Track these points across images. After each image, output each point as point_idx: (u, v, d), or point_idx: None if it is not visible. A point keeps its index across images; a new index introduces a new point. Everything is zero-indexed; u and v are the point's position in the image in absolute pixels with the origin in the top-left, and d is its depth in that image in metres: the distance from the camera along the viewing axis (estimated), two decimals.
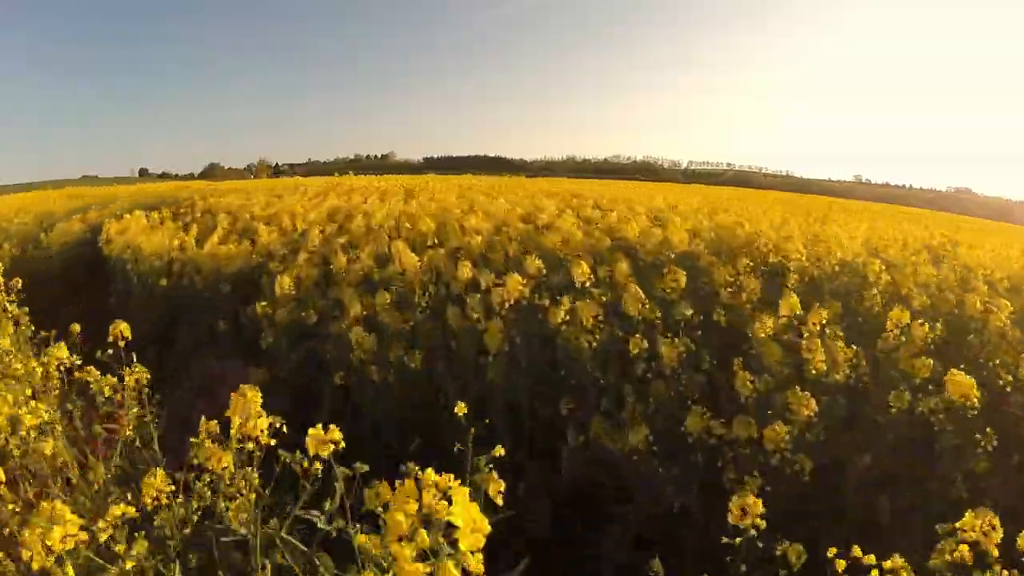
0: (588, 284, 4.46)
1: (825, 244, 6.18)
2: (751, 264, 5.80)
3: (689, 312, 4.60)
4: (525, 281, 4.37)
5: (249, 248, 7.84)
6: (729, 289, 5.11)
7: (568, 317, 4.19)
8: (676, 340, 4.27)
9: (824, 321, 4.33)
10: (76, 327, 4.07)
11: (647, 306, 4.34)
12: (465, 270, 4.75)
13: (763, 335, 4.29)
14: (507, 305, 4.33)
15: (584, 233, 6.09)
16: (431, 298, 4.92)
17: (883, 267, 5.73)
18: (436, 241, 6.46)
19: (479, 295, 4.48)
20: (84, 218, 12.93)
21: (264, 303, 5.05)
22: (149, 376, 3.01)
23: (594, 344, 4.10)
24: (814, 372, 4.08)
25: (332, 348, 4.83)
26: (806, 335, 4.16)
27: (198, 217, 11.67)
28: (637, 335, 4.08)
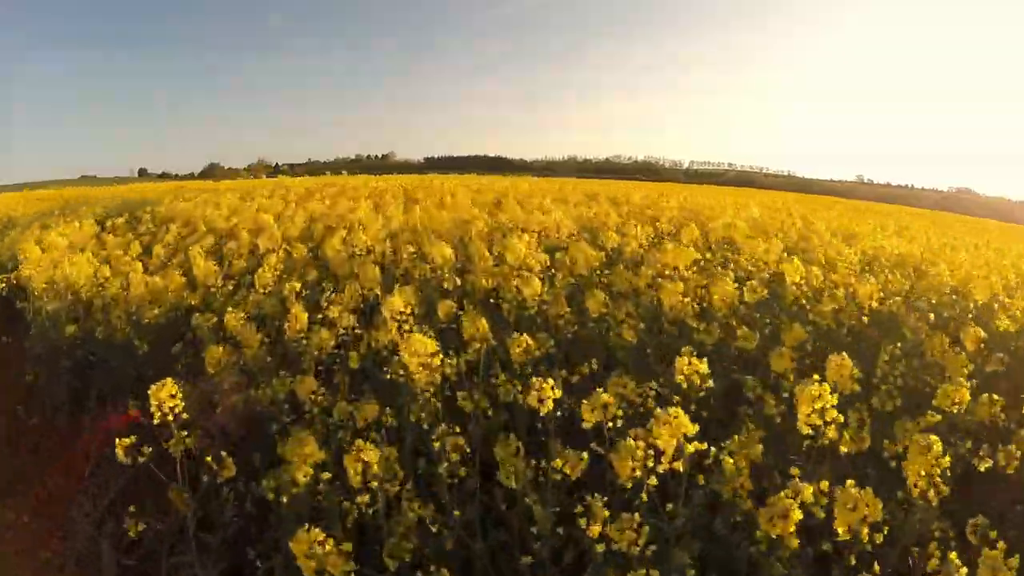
0: (829, 430, 1.87)
1: None
2: (982, 337, 3.26)
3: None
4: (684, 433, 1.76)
5: (181, 281, 5.21)
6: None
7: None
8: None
9: None
10: None
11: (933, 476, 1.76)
12: (542, 386, 2.09)
13: None
14: (653, 479, 1.74)
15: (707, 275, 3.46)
16: (466, 429, 2.29)
17: None
18: (457, 282, 3.87)
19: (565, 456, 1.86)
20: (44, 224, 11.09)
21: (130, 439, 2.41)
22: None
23: None
24: None
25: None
26: None
27: (151, 229, 9.09)
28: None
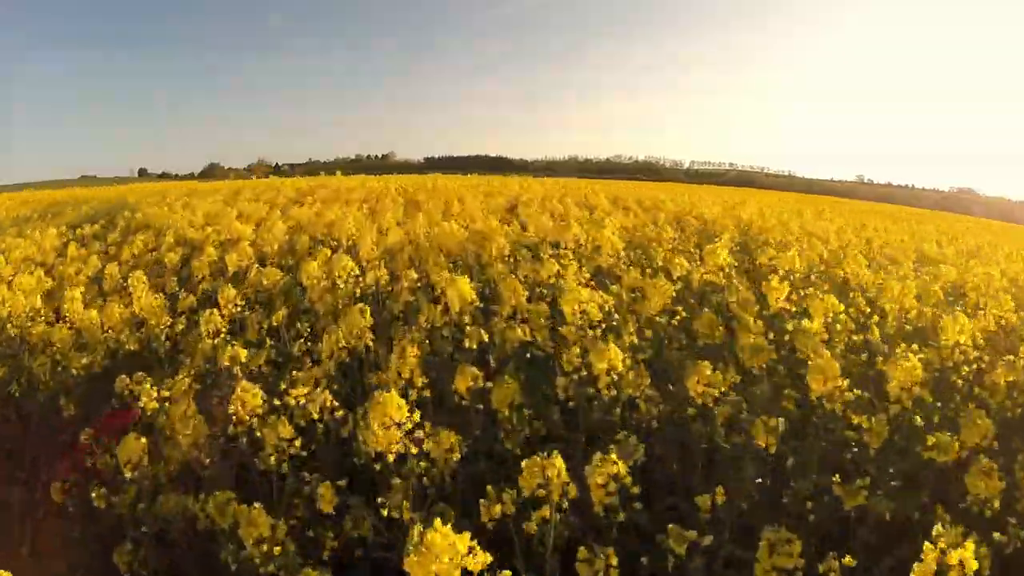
0: None
1: None
2: None
3: None
4: None
5: (124, 313, 4.06)
6: None
7: None
8: None
9: None
10: None
11: None
12: None
13: None
14: None
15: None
16: None
17: None
18: (484, 337, 2.71)
19: None
20: (20, 232, 10.43)
21: None
22: None
23: None
24: None
25: None
26: None
27: (116, 240, 7.95)
28: None
